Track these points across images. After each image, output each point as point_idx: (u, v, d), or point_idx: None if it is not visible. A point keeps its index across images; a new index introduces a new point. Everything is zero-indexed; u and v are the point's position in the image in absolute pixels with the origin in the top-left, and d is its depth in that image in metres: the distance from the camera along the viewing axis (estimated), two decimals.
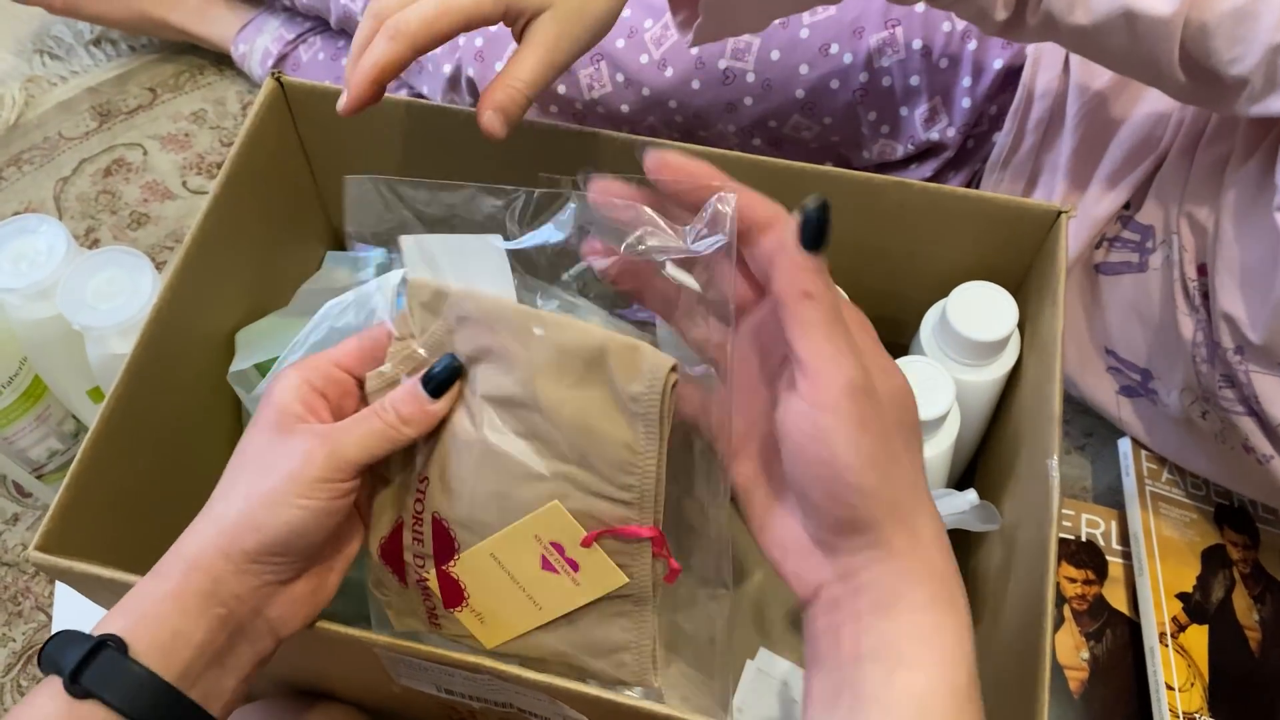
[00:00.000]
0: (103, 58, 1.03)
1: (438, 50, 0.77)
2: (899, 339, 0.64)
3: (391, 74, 0.47)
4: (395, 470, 0.44)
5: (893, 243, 0.61)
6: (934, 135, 0.71)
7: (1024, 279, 0.59)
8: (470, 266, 0.42)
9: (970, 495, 0.51)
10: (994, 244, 0.58)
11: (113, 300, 0.59)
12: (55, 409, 0.70)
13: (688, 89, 0.73)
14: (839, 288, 0.40)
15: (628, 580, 0.41)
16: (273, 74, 0.61)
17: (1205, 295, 0.62)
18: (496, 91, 0.48)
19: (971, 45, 0.68)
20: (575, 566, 0.41)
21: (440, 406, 0.41)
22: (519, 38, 0.49)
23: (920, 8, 0.68)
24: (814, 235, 0.33)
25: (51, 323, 0.61)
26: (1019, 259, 0.58)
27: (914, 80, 0.70)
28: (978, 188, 0.73)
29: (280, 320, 0.62)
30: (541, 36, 0.48)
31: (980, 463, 0.64)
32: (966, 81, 0.69)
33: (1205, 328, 0.62)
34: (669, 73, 0.72)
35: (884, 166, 0.76)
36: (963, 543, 0.59)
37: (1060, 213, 0.55)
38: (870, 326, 0.37)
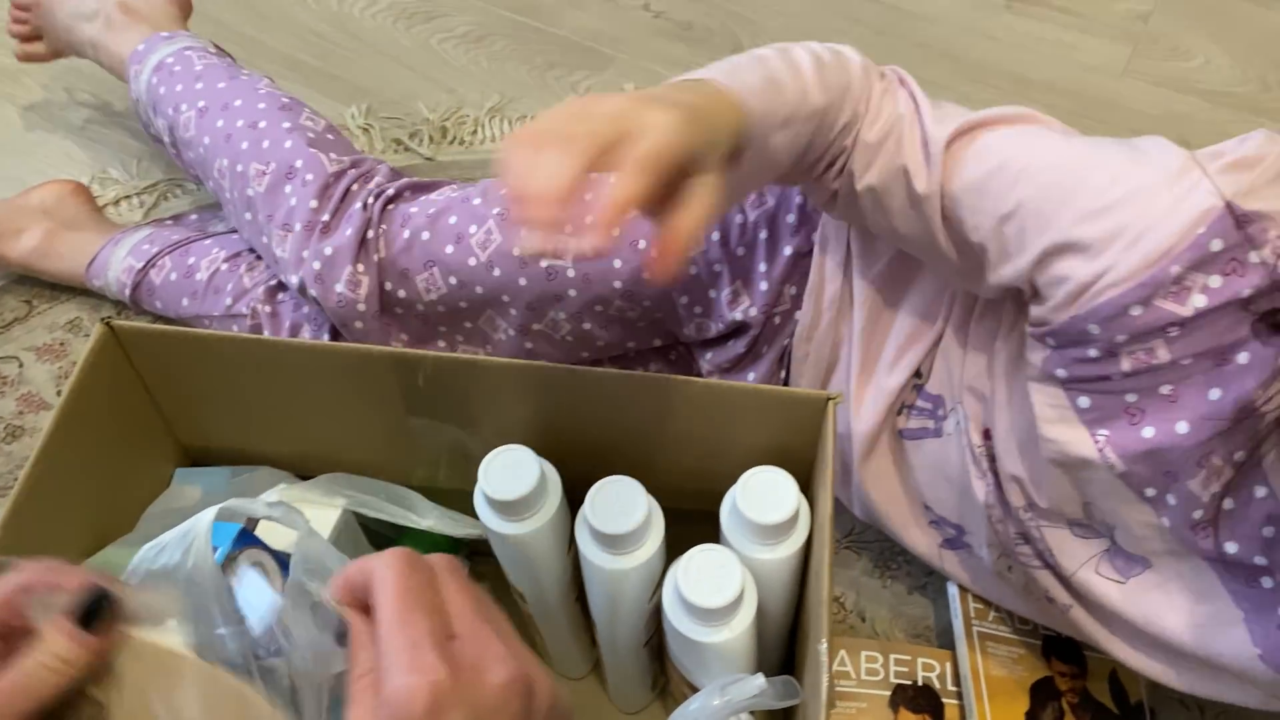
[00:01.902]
0: None
1: (290, 257, 0.82)
2: (716, 509, 0.68)
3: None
4: None
5: (694, 430, 0.65)
6: (738, 315, 0.77)
7: (812, 462, 0.64)
8: None
9: (759, 679, 0.55)
10: (780, 429, 0.63)
11: None
12: None
13: (516, 285, 0.78)
14: None
15: None
16: (103, 320, 0.65)
17: (992, 459, 0.67)
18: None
19: (763, 234, 0.75)
20: None
21: (99, 641, 0.39)
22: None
23: None
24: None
25: None
26: (807, 442, 0.63)
27: (716, 267, 0.76)
28: (789, 360, 0.78)
29: (117, 551, 0.65)
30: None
31: (796, 637, 0.67)
32: (762, 266, 0.75)
33: (995, 489, 0.67)
34: (496, 272, 0.78)
35: (705, 342, 0.81)
36: (780, 715, 0.63)
37: (828, 399, 0.60)
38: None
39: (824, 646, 0.52)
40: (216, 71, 0.93)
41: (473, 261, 0.78)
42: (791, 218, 0.74)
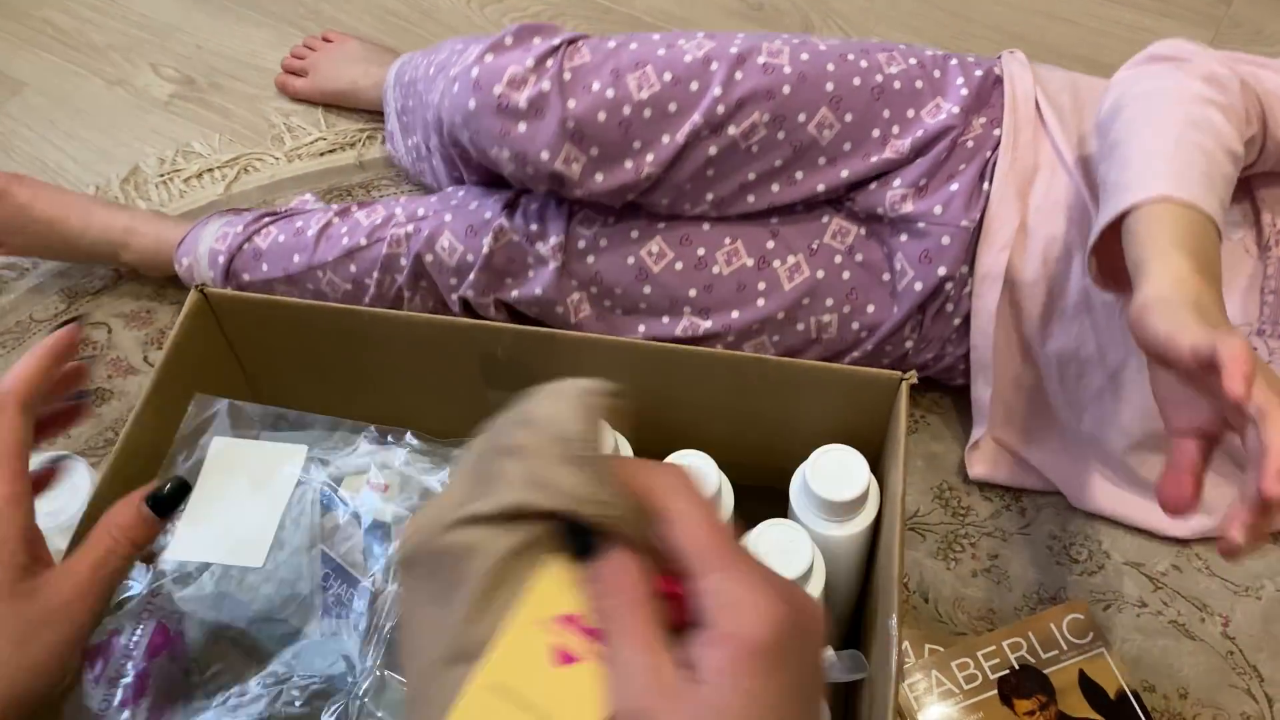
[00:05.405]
0: None
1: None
2: (782, 485, 0.69)
3: None
4: None
5: (764, 408, 0.66)
6: (933, 122, 0.82)
7: (883, 440, 0.64)
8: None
9: (827, 651, 0.56)
10: (851, 408, 0.64)
11: (53, 502, 0.65)
12: None
13: (732, 81, 0.78)
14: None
15: None
16: (196, 286, 0.67)
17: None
18: None
19: (954, 61, 0.85)
20: (597, 635, 0.31)
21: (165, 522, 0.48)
22: None
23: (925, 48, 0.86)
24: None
25: None
26: (877, 421, 0.64)
27: (918, 84, 0.83)
28: (992, 173, 0.81)
29: None
30: None
31: (862, 613, 0.68)
32: (959, 80, 0.84)
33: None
34: (714, 66, 0.79)
35: (872, 177, 0.83)
36: (840, 689, 0.64)
37: (901, 380, 0.61)
38: None
39: (894, 621, 0.53)
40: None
41: (689, 59, 0.79)
42: None
